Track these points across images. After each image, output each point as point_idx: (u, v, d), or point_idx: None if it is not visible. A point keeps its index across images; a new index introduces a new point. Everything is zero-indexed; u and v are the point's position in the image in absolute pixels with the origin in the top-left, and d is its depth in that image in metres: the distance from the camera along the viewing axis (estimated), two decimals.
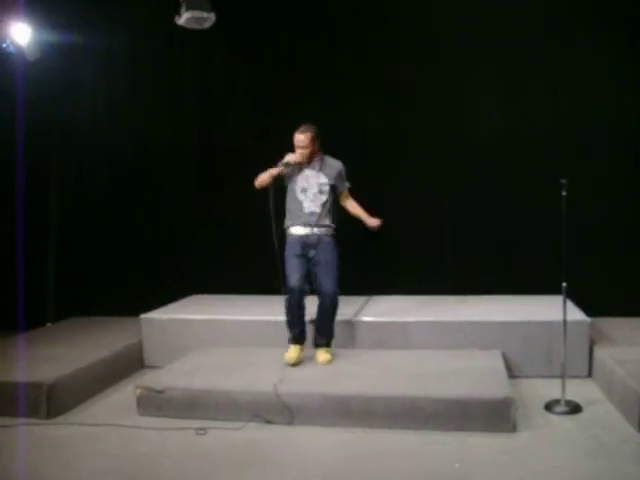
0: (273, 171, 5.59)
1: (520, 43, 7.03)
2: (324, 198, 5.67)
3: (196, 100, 7.85)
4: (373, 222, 5.78)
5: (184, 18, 5.89)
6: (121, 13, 7.67)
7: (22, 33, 6.32)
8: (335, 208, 5.78)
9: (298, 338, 5.73)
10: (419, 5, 7.25)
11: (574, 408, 4.93)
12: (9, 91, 7.24)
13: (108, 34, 7.67)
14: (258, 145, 7.35)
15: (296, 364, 5.60)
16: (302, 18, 7.45)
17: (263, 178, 5.60)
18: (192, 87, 7.84)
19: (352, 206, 5.87)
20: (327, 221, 5.69)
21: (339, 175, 5.73)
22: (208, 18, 5.94)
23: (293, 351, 5.68)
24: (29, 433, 4.88)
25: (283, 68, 7.48)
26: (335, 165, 5.73)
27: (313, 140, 5.60)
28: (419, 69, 7.31)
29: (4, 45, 6.29)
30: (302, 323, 5.74)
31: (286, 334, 5.71)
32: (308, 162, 5.65)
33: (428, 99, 7.28)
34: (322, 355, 5.68)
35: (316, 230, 5.64)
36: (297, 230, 5.66)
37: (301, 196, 5.66)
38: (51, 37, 6.98)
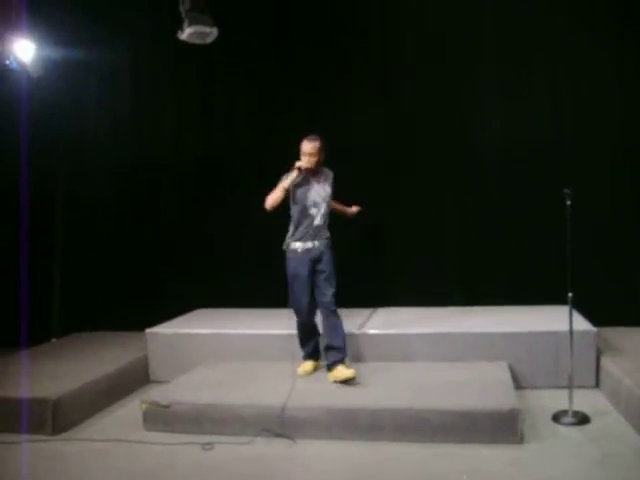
0: (285, 184, 5.51)
1: (523, 48, 7.02)
2: (327, 209, 5.70)
3: (199, 115, 7.86)
4: (353, 210, 6.10)
5: (187, 33, 5.90)
6: (124, 29, 7.70)
7: (25, 50, 6.32)
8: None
9: (312, 354, 5.82)
10: (421, 10, 7.24)
11: (582, 419, 4.90)
12: (13, 108, 7.27)
13: (111, 50, 7.69)
14: (260, 159, 7.37)
15: (308, 375, 5.70)
16: (304, 31, 7.48)
17: (275, 197, 5.51)
18: (195, 102, 7.86)
19: (334, 204, 5.93)
20: (327, 232, 5.72)
21: (332, 183, 5.76)
22: (210, 33, 5.95)
23: (307, 365, 5.77)
24: (36, 449, 4.87)
25: (286, 82, 7.50)
26: (330, 174, 5.77)
27: (321, 149, 5.60)
28: (421, 75, 7.30)
29: (7, 62, 6.30)
30: (316, 339, 5.83)
31: (292, 347, 5.73)
32: (314, 173, 5.65)
33: (430, 107, 7.27)
34: (342, 371, 5.43)
35: (317, 243, 5.64)
36: (304, 245, 5.61)
37: (313, 210, 5.63)
38: (54, 53, 7.00)
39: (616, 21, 6.86)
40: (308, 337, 5.81)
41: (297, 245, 5.63)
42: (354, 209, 6.12)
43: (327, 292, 5.57)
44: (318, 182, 5.67)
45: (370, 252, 7.40)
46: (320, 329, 5.82)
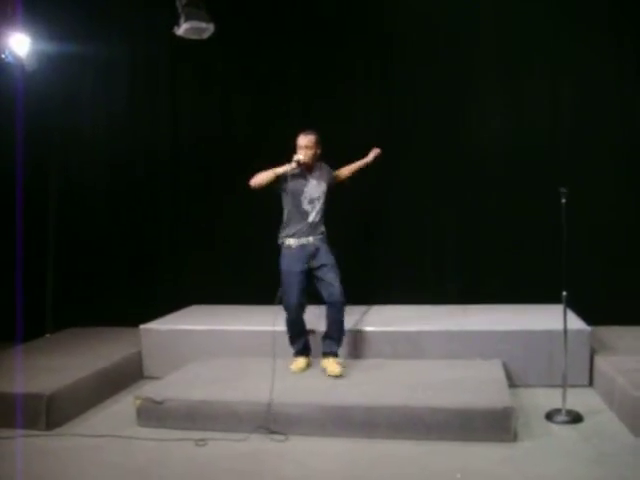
0: (279, 170, 5.51)
1: (523, 49, 7.02)
2: (321, 205, 5.69)
3: (195, 111, 7.83)
4: (370, 157, 5.99)
5: (183, 29, 5.89)
6: (120, 24, 7.69)
7: (21, 43, 6.33)
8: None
9: (303, 351, 5.80)
10: (422, 9, 7.21)
11: (575, 417, 4.91)
12: (8, 101, 7.24)
13: (107, 44, 7.68)
14: (258, 155, 7.34)
15: (303, 371, 5.69)
16: (302, 27, 7.47)
17: (264, 177, 5.51)
18: (191, 98, 7.84)
19: (347, 168, 5.99)
20: (323, 228, 5.72)
21: (330, 176, 5.78)
22: (207, 28, 5.94)
23: (300, 362, 5.75)
24: (29, 444, 4.86)
25: (283, 78, 7.49)
26: (326, 168, 5.78)
27: (317, 143, 5.61)
28: (421, 73, 7.30)
29: (3, 55, 6.29)
30: (305, 337, 5.80)
31: (286, 343, 5.73)
32: (310, 169, 5.64)
33: (430, 109, 7.28)
34: (331, 366, 5.56)
35: (312, 239, 5.63)
36: (299, 241, 5.62)
37: (308, 207, 5.63)
38: (50, 47, 7.00)
39: (616, 23, 6.86)
40: (296, 335, 5.76)
41: (291, 241, 5.62)
42: (372, 154, 6.02)
43: (335, 282, 5.56)
44: (314, 178, 5.67)
45: (367, 249, 7.40)
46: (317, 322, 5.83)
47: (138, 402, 5.23)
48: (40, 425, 5.12)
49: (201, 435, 4.84)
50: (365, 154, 6.01)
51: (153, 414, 5.17)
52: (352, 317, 6.41)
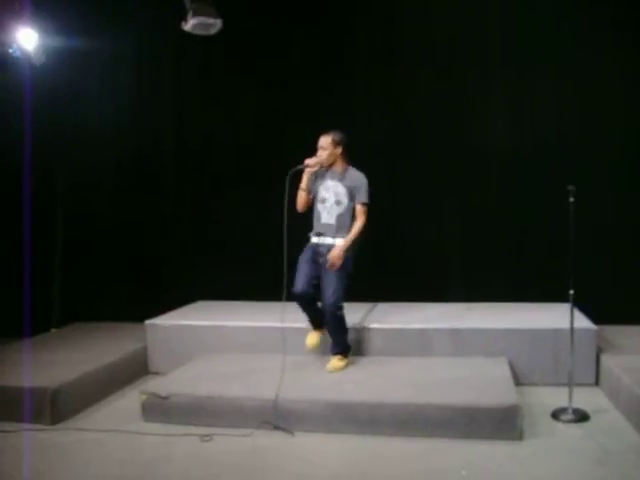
0: (302, 185, 5.55)
1: (526, 51, 7.00)
2: (340, 210, 5.57)
3: (200, 107, 7.83)
4: (333, 254, 5.50)
5: (190, 24, 5.87)
6: (127, 18, 7.67)
7: (28, 38, 6.33)
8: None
9: (315, 323, 5.75)
10: (426, 15, 7.22)
11: (581, 416, 4.90)
12: (15, 96, 7.24)
13: (114, 39, 7.67)
14: (262, 152, 7.37)
15: (316, 348, 5.74)
16: (308, 26, 7.45)
17: (298, 198, 5.58)
18: (197, 95, 7.83)
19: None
20: (344, 234, 5.56)
21: (356, 187, 5.54)
22: (214, 24, 5.92)
23: (311, 337, 5.74)
24: (34, 438, 4.87)
25: (288, 78, 7.48)
26: (356, 177, 5.59)
27: (333, 143, 5.53)
28: (425, 74, 7.29)
29: (11, 50, 6.30)
30: (317, 315, 5.69)
31: (291, 340, 5.72)
32: (328, 168, 5.60)
33: (433, 106, 7.26)
34: (331, 362, 5.64)
35: (328, 241, 5.58)
36: (314, 239, 5.64)
37: (320, 206, 5.61)
38: (57, 42, 6.98)
39: (619, 22, 6.83)
40: (307, 315, 5.71)
41: (312, 237, 5.66)
42: (332, 257, 5.54)
43: (327, 291, 5.51)
44: (332, 179, 5.60)
45: (372, 248, 7.38)
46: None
47: (143, 397, 5.23)
48: (45, 419, 5.14)
49: (206, 430, 4.85)
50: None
51: (158, 409, 5.17)
52: (358, 315, 6.41)
